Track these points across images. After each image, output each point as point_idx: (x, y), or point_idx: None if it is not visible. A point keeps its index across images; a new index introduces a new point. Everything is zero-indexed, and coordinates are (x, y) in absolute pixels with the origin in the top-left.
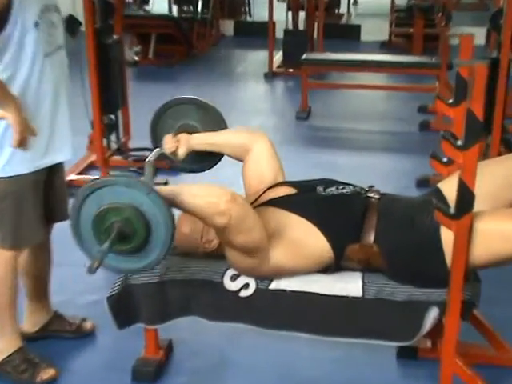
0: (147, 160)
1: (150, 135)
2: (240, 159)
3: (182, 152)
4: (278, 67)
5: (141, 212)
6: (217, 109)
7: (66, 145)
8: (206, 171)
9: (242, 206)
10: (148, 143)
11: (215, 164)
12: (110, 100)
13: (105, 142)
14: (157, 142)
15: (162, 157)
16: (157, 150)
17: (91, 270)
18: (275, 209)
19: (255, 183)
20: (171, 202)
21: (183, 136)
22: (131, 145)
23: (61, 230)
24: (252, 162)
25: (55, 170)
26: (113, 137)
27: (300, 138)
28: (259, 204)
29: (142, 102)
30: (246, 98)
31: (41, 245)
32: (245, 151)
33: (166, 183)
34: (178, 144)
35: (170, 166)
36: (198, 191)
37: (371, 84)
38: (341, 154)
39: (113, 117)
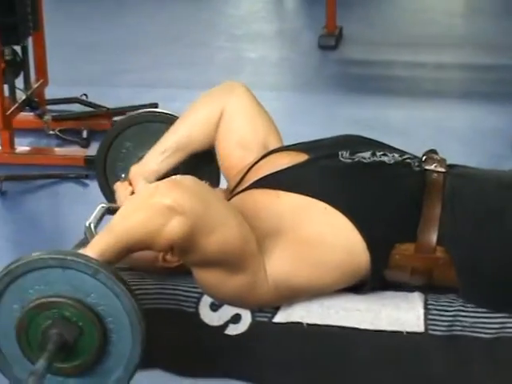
0: (87, 225)
1: (98, 181)
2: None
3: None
4: None
5: (87, 306)
6: None
7: None
8: None
9: (191, 189)
10: (75, 90)
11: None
12: (13, 23)
13: (6, 89)
14: (109, 188)
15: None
16: (99, 207)
17: None
18: (271, 191)
19: (236, 156)
20: (114, 258)
21: (132, 171)
22: (49, 94)
23: None
24: (224, 127)
25: None
26: (19, 81)
27: (325, 79)
28: (247, 186)
29: (66, 25)
30: (238, 17)
31: None
32: (218, 124)
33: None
34: (132, 188)
35: None
36: (122, 210)
37: None
38: (392, 104)
39: (18, 49)
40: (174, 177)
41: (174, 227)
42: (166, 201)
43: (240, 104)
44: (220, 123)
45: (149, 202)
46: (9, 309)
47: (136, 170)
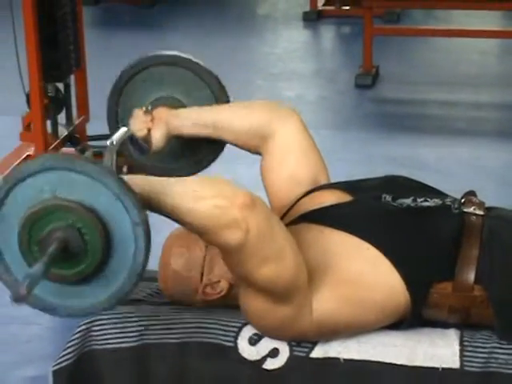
0: (109, 143)
1: (107, 115)
2: (253, 151)
3: (157, 137)
4: (326, 3)
5: (101, 219)
6: (215, 74)
7: None
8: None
9: (264, 214)
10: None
11: (210, 162)
12: (56, 60)
13: (49, 125)
14: (117, 123)
15: (127, 143)
16: (123, 129)
17: (17, 300)
18: (318, 227)
19: (285, 188)
20: (148, 204)
21: (160, 112)
22: (90, 130)
23: None
24: (277, 155)
25: None
26: (61, 117)
27: (361, 117)
28: (292, 220)
29: (108, 61)
30: (275, 55)
31: None
32: (261, 139)
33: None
34: (151, 124)
35: (132, 161)
36: (198, 190)
37: (477, 29)
38: (427, 142)
39: (61, 86)
40: (253, 196)
41: (228, 236)
42: (237, 215)
43: (294, 135)
44: (271, 142)
45: (224, 204)
46: (18, 205)
47: (164, 115)
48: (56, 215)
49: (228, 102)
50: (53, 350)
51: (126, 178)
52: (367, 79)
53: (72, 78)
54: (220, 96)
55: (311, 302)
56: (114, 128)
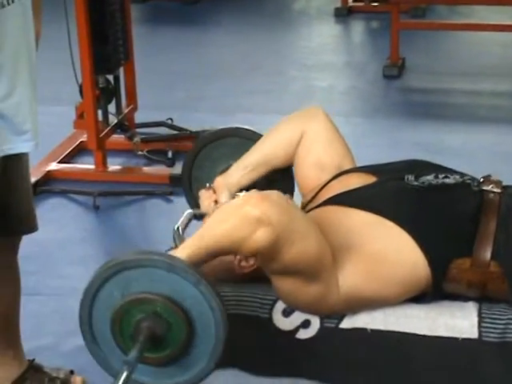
0: (175, 227)
1: (184, 191)
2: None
3: (224, 202)
4: (356, 0)
5: (182, 308)
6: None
7: (25, 131)
8: None
9: (278, 202)
10: (161, 115)
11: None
12: (106, 54)
13: (100, 114)
14: (194, 199)
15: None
16: (188, 212)
17: None
18: (344, 208)
19: (312, 175)
20: (200, 260)
21: (217, 181)
22: (138, 118)
23: (32, 246)
24: (304, 148)
25: (11, 162)
26: (111, 107)
27: (389, 105)
28: (319, 203)
29: (154, 55)
30: (309, 48)
31: (2, 268)
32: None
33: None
34: (215, 196)
35: None
36: (212, 218)
37: (497, 23)
38: (450, 129)
39: (111, 78)
40: (263, 192)
41: (260, 237)
42: (255, 212)
43: (320, 128)
44: (300, 144)
45: (238, 212)
46: (109, 298)
47: (220, 180)
48: (149, 306)
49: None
50: None
51: (181, 252)
52: (394, 70)
53: (121, 70)
54: None
55: (337, 278)
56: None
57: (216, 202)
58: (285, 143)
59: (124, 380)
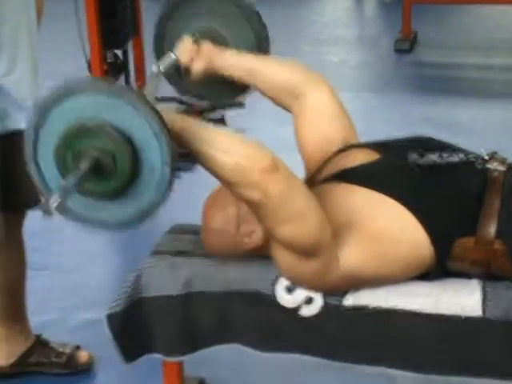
0: (154, 68)
1: (153, 43)
2: (283, 106)
3: (198, 69)
4: None
5: (128, 138)
6: (262, 19)
7: (27, 107)
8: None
9: (285, 179)
10: (171, 90)
11: (235, 97)
12: (114, 28)
13: None
14: (163, 51)
15: (171, 68)
16: (170, 54)
17: (47, 211)
18: (347, 185)
19: (319, 149)
20: (183, 144)
21: (207, 47)
22: None
23: (39, 221)
24: (310, 117)
25: (14, 138)
26: (120, 82)
27: (400, 79)
28: (323, 179)
29: None
30: (321, 22)
31: (9, 243)
32: (293, 98)
33: (222, 119)
34: (195, 55)
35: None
36: (227, 143)
37: None
38: (462, 103)
39: (119, 53)
40: (276, 160)
41: (250, 196)
42: (258, 177)
43: (329, 100)
44: (303, 102)
45: (246, 164)
46: (55, 126)
47: (209, 50)
48: (96, 136)
49: (267, 50)
50: (111, 297)
51: (168, 113)
52: (406, 44)
53: (130, 45)
54: (261, 42)
55: (338, 256)
56: (159, 53)
57: (192, 60)
58: (291, 86)
59: (57, 203)
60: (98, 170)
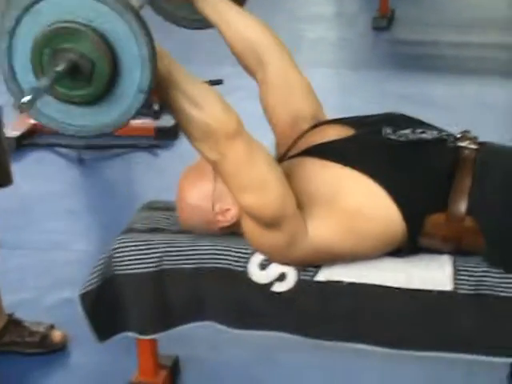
0: None
1: None
2: (247, 68)
3: None
4: None
5: (109, 41)
6: None
7: None
8: None
9: (245, 145)
10: None
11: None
12: None
13: None
14: None
15: None
16: None
17: (19, 108)
18: (320, 161)
19: (291, 124)
20: (159, 83)
21: None
22: None
23: (15, 200)
24: (280, 89)
25: None
26: None
27: (378, 56)
28: (295, 154)
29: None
30: None
31: None
32: (258, 62)
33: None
34: None
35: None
36: (201, 98)
37: None
38: (437, 80)
39: None
40: (241, 126)
41: (208, 155)
42: (220, 139)
43: (297, 73)
44: (269, 70)
45: (213, 125)
46: (31, 28)
47: None
48: (75, 38)
49: None
50: (87, 276)
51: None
52: (383, 22)
53: None
54: None
55: (306, 230)
56: None
57: None
58: (258, 48)
59: (27, 102)
60: (75, 73)
